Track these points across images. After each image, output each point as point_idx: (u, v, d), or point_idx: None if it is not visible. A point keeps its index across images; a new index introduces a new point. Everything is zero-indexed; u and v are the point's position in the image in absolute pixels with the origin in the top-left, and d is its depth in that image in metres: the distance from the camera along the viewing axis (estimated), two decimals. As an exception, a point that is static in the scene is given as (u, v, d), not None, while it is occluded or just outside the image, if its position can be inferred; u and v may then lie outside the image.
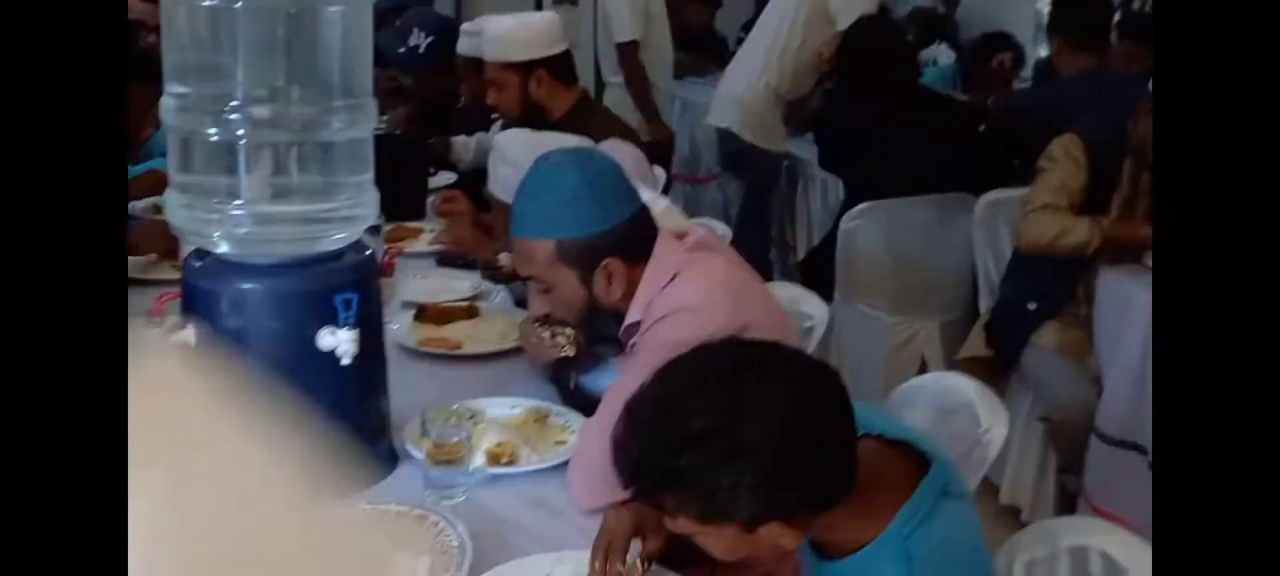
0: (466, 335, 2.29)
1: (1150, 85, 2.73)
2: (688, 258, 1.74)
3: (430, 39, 3.78)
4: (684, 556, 1.64)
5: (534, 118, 2.70)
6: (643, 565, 1.38)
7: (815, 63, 4.16)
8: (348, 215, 1.62)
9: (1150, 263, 2.74)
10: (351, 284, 1.59)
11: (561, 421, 1.90)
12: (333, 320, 1.56)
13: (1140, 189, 2.84)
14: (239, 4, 1.47)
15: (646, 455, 1.15)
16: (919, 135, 3.57)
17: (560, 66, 2.83)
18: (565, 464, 1.73)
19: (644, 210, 1.77)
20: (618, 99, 4.90)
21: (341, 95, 1.57)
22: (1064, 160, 2.83)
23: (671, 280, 1.71)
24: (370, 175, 1.67)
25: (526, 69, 2.78)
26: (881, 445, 1.29)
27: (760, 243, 4.42)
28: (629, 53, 4.64)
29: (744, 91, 4.25)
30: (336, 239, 1.61)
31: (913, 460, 1.28)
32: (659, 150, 4.95)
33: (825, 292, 3.69)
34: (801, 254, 4.32)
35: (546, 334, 1.90)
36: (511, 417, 1.90)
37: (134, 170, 3.20)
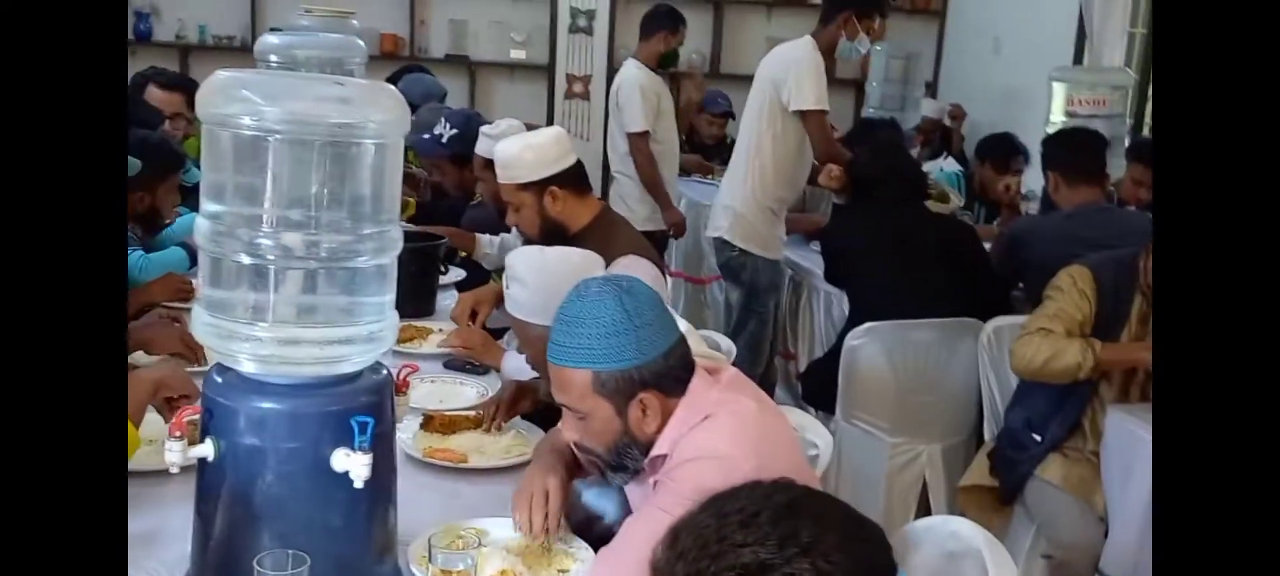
0: (473, 447, 2.30)
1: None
2: (720, 399, 1.76)
3: (454, 131, 3.85)
4: None
5: (554, 234, 2.73)
6: None
7: (826, 180, 4.20)
8: (370, 337, 1.63)
9: (1150, 394, 2.76)
10: (368, 407, 1.60)
11: (564, 548, 1.90)
12: (348, 441, 1.57)
13: (1149, 327, 2.86)
14: (277, 136, 1.50)
15: None
16: (925, 258, 3.61)
17: (574, 179, 2.86)
18: (571, 593, 1.74)
19: (682, 342, 1.78)
20: (626, 190, 5.12)
21: (371, 222, 1.60)
22: (1070, 290, 2.86)
23: (702, 420, 1.73)
24: (392, 296, 1.69)
25: (540, 187, 2.81)
26: None
27: (756, 350, 4.44)
28: (640, 143, 4.92)
29: (733, 200, 4.32)
30: (357, 361, 1.63)
31: None
32: (672, 234, 5.11)
33: (826, 406, 3.71)
34: (804, 365, 4.33)
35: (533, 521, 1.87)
36: (515, 541, 1.90)
37: (148, 257, 3.25)
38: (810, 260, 4.44)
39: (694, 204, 5.50)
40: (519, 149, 2.85)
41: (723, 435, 1.70)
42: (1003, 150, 4.69)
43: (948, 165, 5.74)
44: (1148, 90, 5.61)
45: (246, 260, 1.53)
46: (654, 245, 5.14)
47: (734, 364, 4.21)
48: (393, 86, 1.76)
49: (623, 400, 1.72)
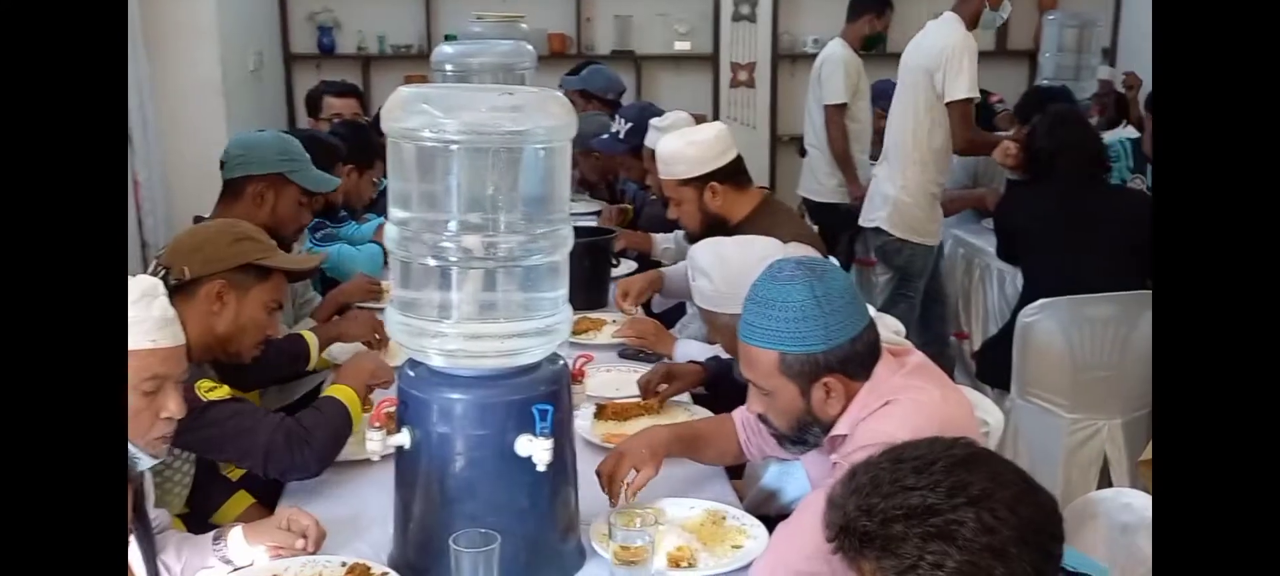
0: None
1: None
2: (903, 385, 1.79)
3: (629, 125, 3.98)
4: None
5: (714, 227, 2.80)
6: None
7: (1001, 156, 4.14)
8: (546, 330, 1.75)
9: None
10: (547, 395, 1.73)
11: (738, 524, 1.98)
12: (530, 427, 1.70)
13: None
14: (456, 145, 1.63)
15: (861, 514, 1.20)
16: (1103, 232, 3.52)
17: (734, 174, 2.92)
18: (743, 568, 1.81)
19: (870, 327, 1.81)
20: (816, 163, 5.31)
21: (544, 222, 1.71)
22: None
23: (882, 406, 1.76)
24: (565, 290, 1.80)
25: (700, 183, 2.88)
26: None
27: (938, 332, 4.43)
28: (836, 115, 5.11)
29: (892, 189, 4.34)
30: (535, 353, 1.75)
31: None
32: (855, 208, 5.17)
33: (1001, 384, 3.67)
34: (978, 343, 4.28)
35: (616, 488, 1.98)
36: (690, 519, 1.99)
37: (348, 249, 3.49)
38: (983, 238, 4.38)
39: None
40: (681, 145, 2.92)
41: (901, 422, 1.71)
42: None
43: (1126, 132, 5.53)
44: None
45: (432, 262, 1.68)
46: (840, 218, 5.27)
47: None
48: (559, 92, 1.87)
49: (807, 382, 1.77)
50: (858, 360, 1.79)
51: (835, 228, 5.22)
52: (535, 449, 1.69)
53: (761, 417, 1.88)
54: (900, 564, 1.17)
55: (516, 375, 1.74)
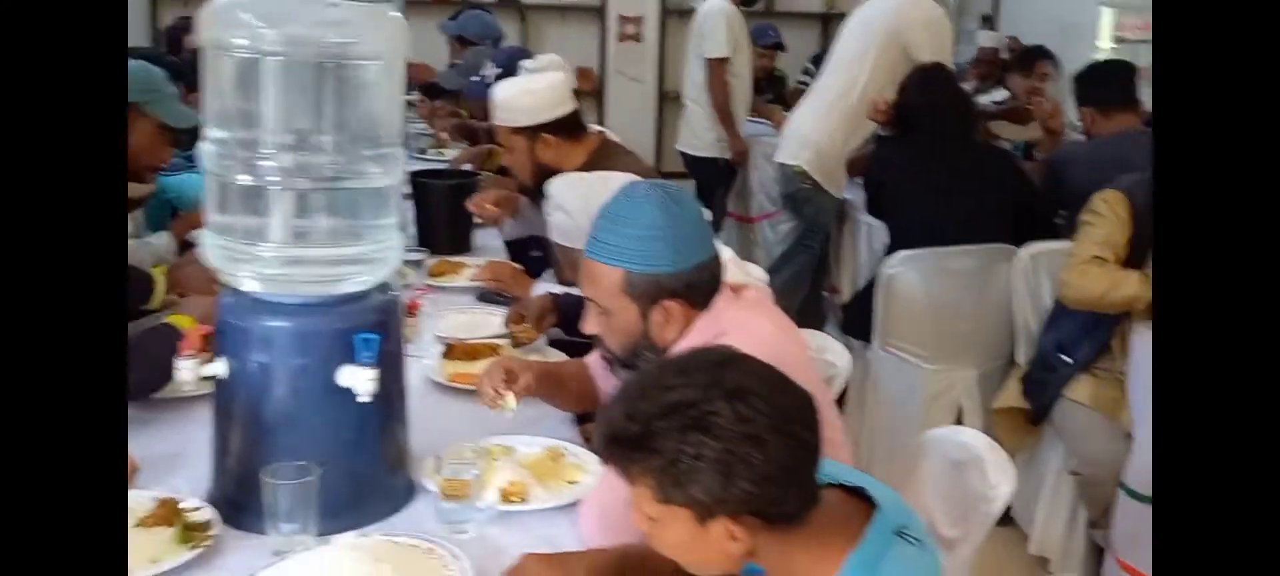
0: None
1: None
2: (737, 316, 1.79)
3: (500, 71, 3.89)
4: None
5: (545, 177, 2.76)
6: None
7: (871, 112, 4.17)
8: (372, 258, 1.70)
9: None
10: (374, 324, 1.67)
11: (576, 461, 1.96)
12: (354, 357, 1.64)
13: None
14: (275, 58, 1.56)
15: (626, 419, 1.23)
16: (965, 187, 3.58)
17: (568, 126, 2.88)
18: (576, 503, 1.79)
19: (716, 259, 1.82)
20: (695, 117, 5.32)
21: (369, 144, 1.65)
22: (1108, 215, 2.82)
23: (714, 337, 1.75)
24: (395, 219, 1.75)
25: (532, 133, 2.84)
26: (842, 493, 1.33)
27: (798, 283, 4.47)
28: (718, 69, 5.13)
29: (814, 132, 4.26)
30: (361, 281, 1.69)
31: (867, 507, 1.32)
32: (735, 161, 5.18)
33: (866, 336, 3.72)
34: (847, 297, 4.34)
35: (491, 390, 1.94)
36: (528, 455, 1.96)
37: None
38: (852, 193, 4.42)
39: (749, 141, 5.50)
40: (516, 93, 2.88)
41: None
42: (1027, 57, 4.62)
43: (998, 93, 5.66)
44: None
45: (248, 181, 1.60)
46: (717, 173, 5.26)
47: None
48: (396, 12, 1.80)
49: (648, 303, 1.76)
50: (701, 289, 1.79)
51: (712, 182, 5.23)
52: (358, 379, 1.64)
53: (596, 339, 1.87)
54: (662, 460, 1.19)
55: (341, 303, 1.68)
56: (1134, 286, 2.73)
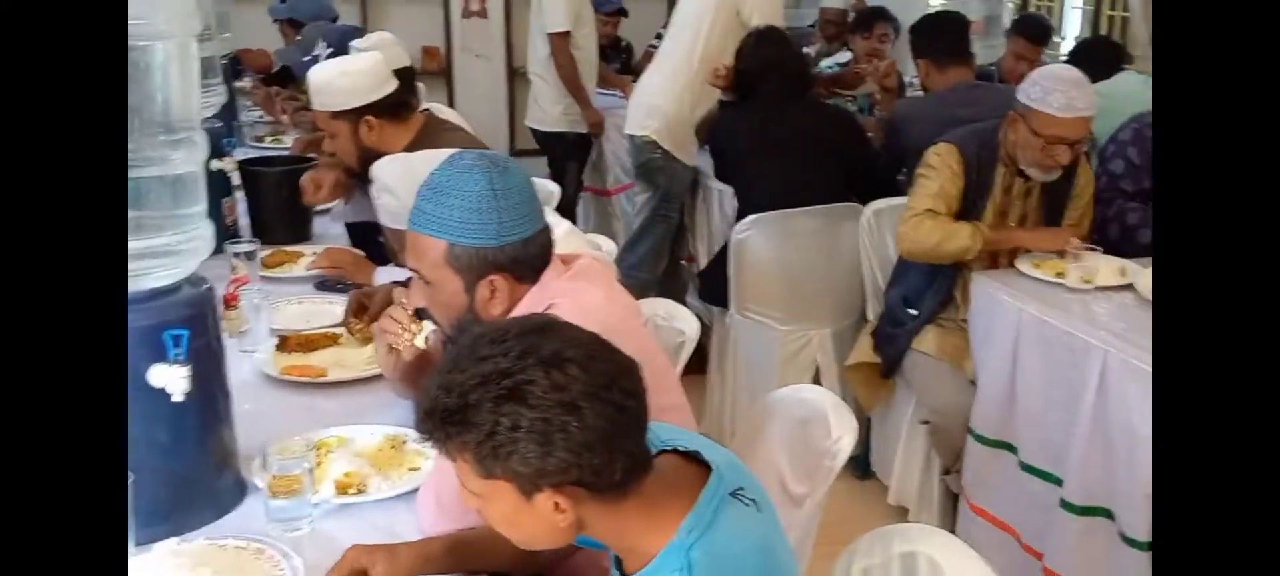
0: (332, 362, 2.28)
1: (1019, 93, 2.81)
2: (566, 287, 1.74)
3: (331, 50, 3.74)
4: None
5: (371, 162, 2.68)
6: None
7: (711, 77, 4.16)
8: (177, 250, 1.60)
9: (1022, 266, 2.81)
10: (183, 320, 1.58)
11: (418, 447, 1.89)
12: (164, 355, 1.55)
13: (1012, 195, 2.91)
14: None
15: (442, 392, 1.18)
16: (810, 149, 3.62)
17: (393, 106, 2.79)
18: (416, 491, 1.73)
19: (544, 232, 1.76)
20: (541, 93, 5.23)
21: (164, 131, 1.55)
22: (941, 168, 2.88)
23: (547, 309, 1.71)
24: (201, 207, 1.65)
25: (355, 116, 2.75)
26: (678, 459, 1.31)
27: (659, 255, 4.44)
28: (560, 43, 5.05)
29: (661, 99, 4.19)
30: (166, 274, 1.59)
31: (703, 471, 1.30)
32: (592, 133, 5.11)
33: (722, 302, 3.74)
34: (703, 264, 4.34)
35: (400, 324, 1.87)
36: (366, 445, 1.89)
37: None
38: (703, 161, 4.42)
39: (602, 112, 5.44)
40: (333, 75, 2.77)
41: None
42: (864, 19, 4.69)
43: (842, 56, 5.74)
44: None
45: (31, 174, 1.48)
46: (568, 148, 5.19)
47: (633, 267, 4.25)
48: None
49: (473, 277, 1.70)
50: (528, 263, 1.74)
51: (563, 157, 5.17)
52: (169, 378, 1.54)
53: (420, 313, 1.81)
54: (479, 433, 1.16)
55: (146, 299, 1.58)
56: (965, 237, 2.79)
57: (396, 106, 2.80)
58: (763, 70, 3.74)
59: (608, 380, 1.18)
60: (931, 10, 4.60)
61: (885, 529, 1.60)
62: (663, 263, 4.53)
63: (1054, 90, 2.71)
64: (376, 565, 1.49)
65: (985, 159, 2.88)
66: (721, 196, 4.13)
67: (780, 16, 4.16)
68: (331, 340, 2.36)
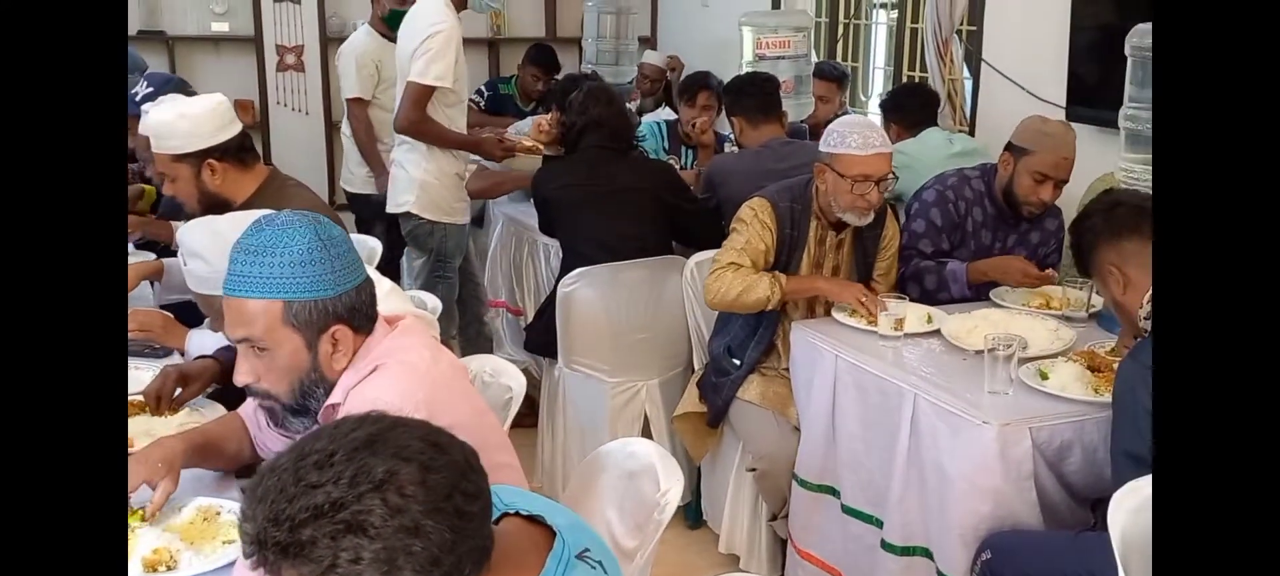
0: (141, 431, 2.16)
1: (821, 145, 2.94)
2: (392, 347, 1.71)
3: (151, 89, 3.56)
4: None
5: (214, 208, 2.59)
6: None
7: (536, 133, 4.22)
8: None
9: (838, 315, 2.92)
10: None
11: (232, 518, 1.81)
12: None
13: (826, 247, 3.02)
14: None
15: (270, 524, 1.11)
16: (630, 201, 3.67)
17: (236, 151, 2.71)
18: (232, 564, 1.66)
19: (369, 281, 1.74)
20: (350, 153, 5.17)
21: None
22: (752, 222, 2.97)
23: (372, 372, 1.68)
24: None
25: (197, 160, 2.65)
26: (521, 522, 1.30)
27: (449, 313, 4.28)
28: (355, 109, 5.04)
29: (417, 172, 4.07)
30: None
31: (547, 534, 1.30)
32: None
33: (551, 353, 3.73)
34: (530, 317, 4.34)
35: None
36: (177, 520, 1.80)
37: None
38: (530, 214, 4.42)
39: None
40: (172, 117, 2.68)
41: (390, 386, 1.65)
42: (690, 87, 4.83)
43: (663, 113, 5.86)
44: (837, 32, 5.91)
45: None
46: (372, 209, 5.08)
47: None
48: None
49: (314, 333, 1.65)
50: (363, 311, 1.71)
51: (369, 217, 5.07)
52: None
53: (252, 389, 1.73)
54: (318, 568, 1.09)
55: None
56: (764, 287, 2.90)
57: (240, 151, 2.72)
58: (588, 127, 3.79)
59: (448, 490, 1.13)
60: (744, 72, 4.78)
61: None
62: (454, 321, 4.47)
63: (851, 133, 2.88)
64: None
65: (798, 212, 2.98)
66: (548, 249, 4.15)
67: (447, 74, 3.95)
68: (139, 409, 2.24)
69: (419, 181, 4.07)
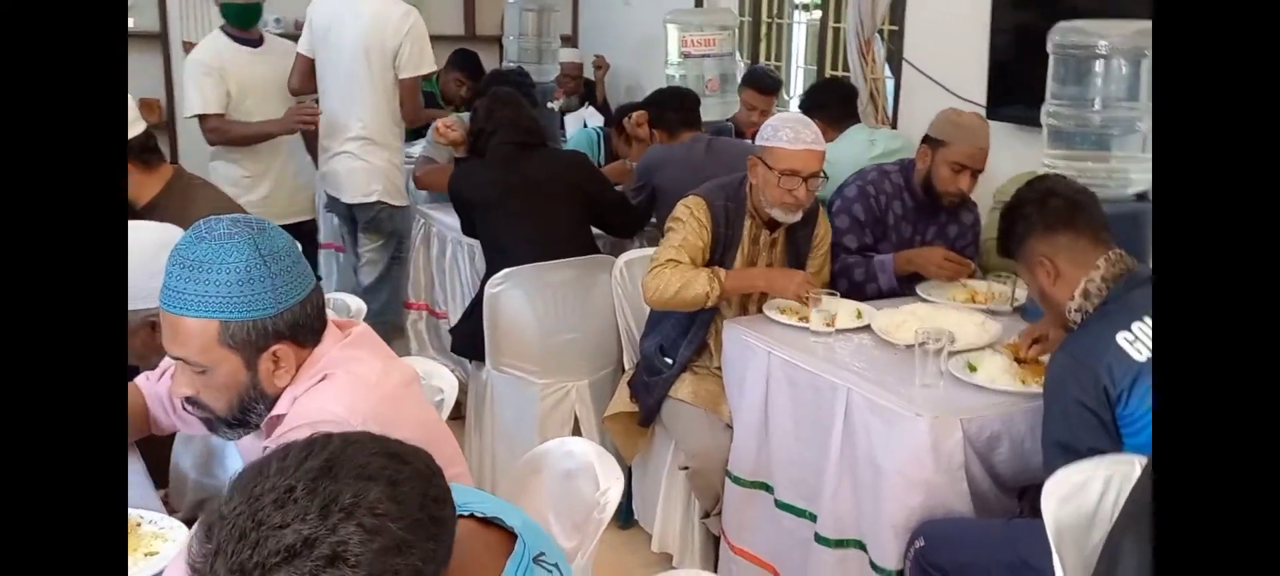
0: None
1: (756, 140, 2.95)
2: (341, 357, 1.64)
3: None
4: None
5: None
6: None
7: (443, 131, 4.24)
8: None
9: (770, 312, 2.92)
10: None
11: (155, 528, 1.75)
12: None
13: (759, 245, 3.03)
14: None
15: (235, 575, 1.02)
16: (552, 198, 3.64)
17: (140, 151, 2.62)
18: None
19: (318, 290, 1.66)
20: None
21: None
22: (688, 220, 2.96)
23: (320, 381, 1.61)
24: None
25: None
26: (476, 525, 1.27)
27: (399, 294, 4.66)
28: (200, 125, 4.36)
29: (379, 161, 4.41)
30: None
31: (504, 536, 1.27)
32: None
33: (477, 356, 3.68)
34: (454, 320, 4.28)
35: None
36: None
37: None
38: (451, 215, 4.37)
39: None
40: None
41: (338, 397, 1.58)
42: (625, 112, 4.84)
43: (592, 117, 5.84)
44: (760, 31, 5.95)
45: None
46: None
47: (377, 315, 4.21)
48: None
49: (253, 353, 1.57)
50: (308, 326, 1.63)
51: None
52: None
53: (191, 401, 1.66)
54: None
55: None
56: (703, 283, 2.88)
57: (144, 151, 2.62)
58: (496, 129, 3.77)
59: (419, 500, 1.07)
60: (669, 70, 4.80)
61: (683, 572, 1.60)
62: (400, 306, 4.64)
63: (782, 128, 2.90)
64: None
65: (733, 211, 2.98)
66: (472, 250, 4.10)
67: (431, 60, 4.44)
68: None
69: (383, 170, 4.39)
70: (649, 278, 2.95)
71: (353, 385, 1.61)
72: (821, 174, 2.92)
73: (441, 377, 2.43)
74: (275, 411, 1.62)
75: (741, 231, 3.00)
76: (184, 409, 1.71)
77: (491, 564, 1.22)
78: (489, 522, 1.29)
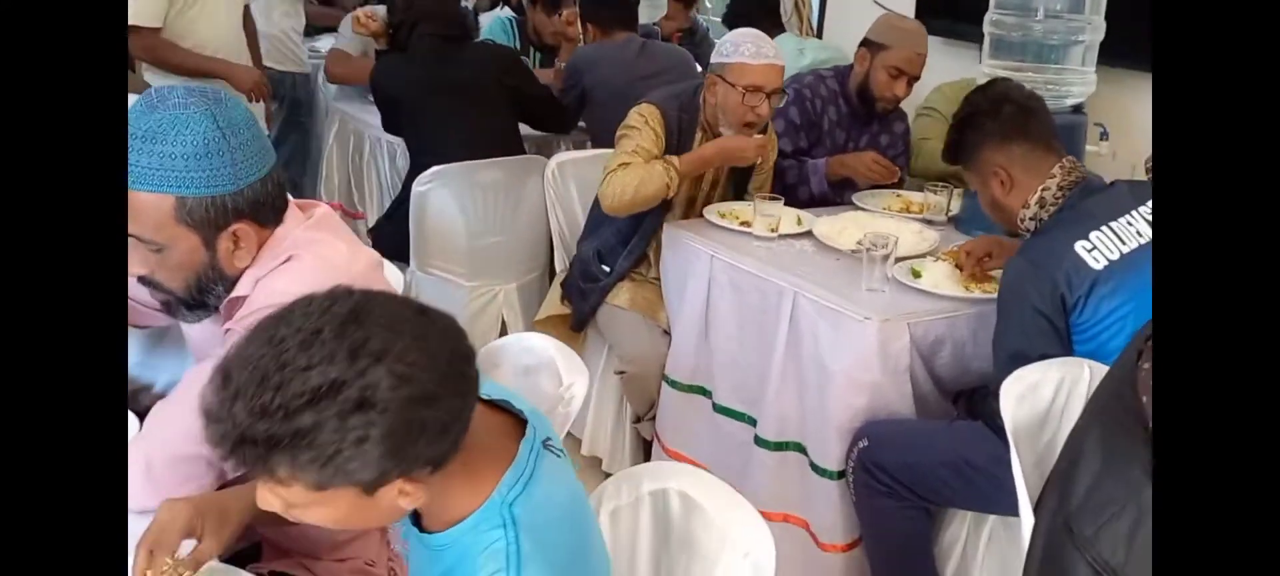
0: None
1: (712, 58, 2.90)
2: (305, 238, 1.56)
3: None
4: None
5: None
6: (193, 568, 1.27)
7: (357, 25, 4.10)
8: None
9: (711, 216, 2.91)
10: None
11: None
12: None
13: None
14: None
15: (256, 417, 1.00)
16: (473, 91, 3.55)
17: None
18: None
19: (278, 168, 1.57)
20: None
21: None
22: (643, 128, 2.89)
23: (285, 262, 1.53)
24: None
25: None
26: (484, 406, 1.23)
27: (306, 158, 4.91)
28: (130, 39, 3.59)
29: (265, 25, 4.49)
30: None
31: (512, 420, 1.25)
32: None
33: (401, 257, 3.59)
34: (373, 220, 4.17)
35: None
36: None
37: None
38: (368, 112, 4.23)
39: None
40: None
41: (302, 278, 1.49)
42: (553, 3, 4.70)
43: (503, 12, 5.69)
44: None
45: None
46: None
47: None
48: None
49: (212, 231, 1.48)
50: (269, 204, 1.54)
51: None
52: None
53: (145, 280, 1.57)
54: (321, 453, 1.00)
55: None
56: (659, 175, 2.81)
57: None
58: (418, 21, 3.64)
59: (448, 354, 1.05)
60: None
61: (632, 469, 1.60)
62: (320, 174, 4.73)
63: (743, 43, 2.84)
64: (205, 527, 1.30)
65: (686, 122, 2.93)
66: (393, 149, 3.98)
67: None
68: None
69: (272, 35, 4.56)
70: (605, 186, 2.87)
71: (319, 267, 1.54)
72: (782, 89, 2.89)
73: (389, 269, 2.35)
74: (236, 293, 1.55)
75: (692, 144, 2.94)
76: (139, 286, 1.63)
77: (504, 445, 1.19)
78: (495, 406, 1.26)
